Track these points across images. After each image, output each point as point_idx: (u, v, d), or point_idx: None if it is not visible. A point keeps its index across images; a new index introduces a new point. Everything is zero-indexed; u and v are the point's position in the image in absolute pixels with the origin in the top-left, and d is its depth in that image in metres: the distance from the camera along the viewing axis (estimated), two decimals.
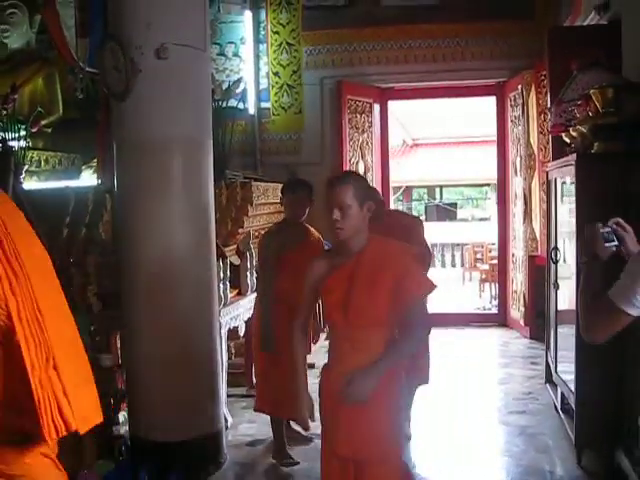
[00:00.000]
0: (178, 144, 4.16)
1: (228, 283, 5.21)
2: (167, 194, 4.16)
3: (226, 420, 4.96)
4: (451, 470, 4.32)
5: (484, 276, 11.08)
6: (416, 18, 7.96)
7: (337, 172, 2.74)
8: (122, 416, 4.71)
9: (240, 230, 6.30)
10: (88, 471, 3.82)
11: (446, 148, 22.53)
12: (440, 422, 5.21)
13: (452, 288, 12.39)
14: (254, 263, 5.73)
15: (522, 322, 7.74)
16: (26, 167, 5.93)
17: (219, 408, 4.52)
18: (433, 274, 12.98)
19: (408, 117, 22.31)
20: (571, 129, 4.58)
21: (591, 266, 2.26)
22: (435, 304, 9.83)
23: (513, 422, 5.11)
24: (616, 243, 2.26)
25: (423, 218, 26.91)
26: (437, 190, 27.77)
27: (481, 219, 24.59)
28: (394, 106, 18.56)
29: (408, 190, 26.29)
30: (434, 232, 17.98)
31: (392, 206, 24.39)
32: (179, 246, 4.20)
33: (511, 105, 7.97)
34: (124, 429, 4.60)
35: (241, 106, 8.19)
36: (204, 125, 4.36)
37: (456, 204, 28.24)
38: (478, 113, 14.92)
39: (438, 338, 7.85)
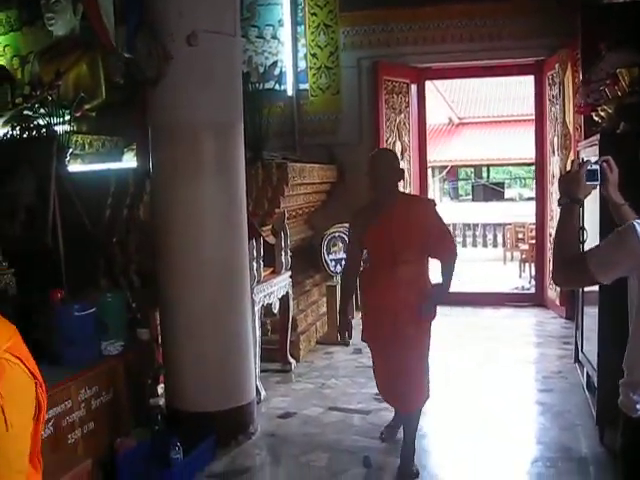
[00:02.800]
0: (209, 127, 4.31)
1: (262, 262, 5.37)
2: (199, 176, 4.32)
3: (259, 393, 5.15)
4: (473, 444, 4.43)
5: (524, 256, 11.05)
6: None
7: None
8: (160, 388, 4.94)
9: (276, 210, 6.46)
10: (125, 438, 4.04)
11: (494, 127, 22.33)
12: (468, 398, 5.31)
13: (493, 268, 12.39)
14: (288, 243, 5.88)
15: (558, 302, 7.75)
16: (70, 150, 6.14)
17: (251, 381, 4.70)
18: (474, 254, 13.01)
19: (455, 95, 22.26)
20: (599, 109, 4.59)
21: (569, 208, 2.23)
22: (474, 284, 9.96)
23: (540, 400, 5.19)
24: (598, 182, 2.24)
25: (470, 198, 26.89)
26: (484, 169, 27.55)
27: (528, 199, 24.32)
28: (440, 85, 18.60)
29: (454, 169, 26.16)
30: (479, 212, 17.97)
31: (437, 185, 24.44)
32: (211, 226, 4.37)
33: (549, 84, 7.92)
34: (162, 401, 4.82)
35: (279, 88, 8.33)
36: (235, 109, 4.50)
37: (503, 183, 27.99)
38: (526, 91, 14.83)
39: (474, 317, 8.01)
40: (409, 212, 3.93)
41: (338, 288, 6.59)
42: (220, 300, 4.39)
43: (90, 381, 3.96)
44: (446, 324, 7.81)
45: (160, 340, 4.85)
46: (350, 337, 4.44)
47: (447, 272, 4.08)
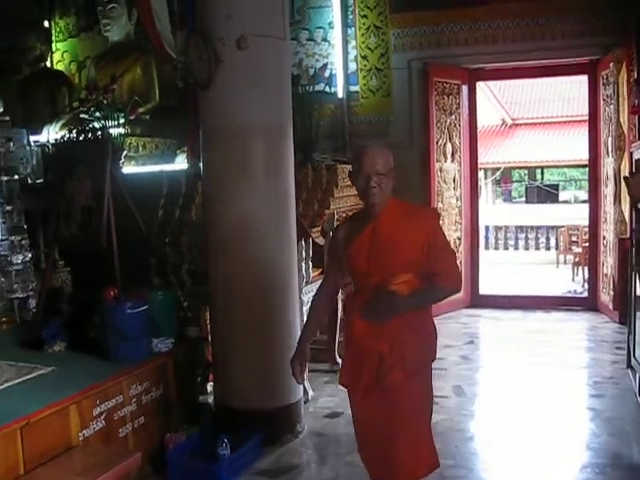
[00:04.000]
0: (258, 130, 4.38)
1: (311, 262, 5.43)
2: (249, 177, 4.40)
3: (307, 393, 5.20)
4: (521, 448, 4.40)
5: (577, 259, 10.88)
6: None
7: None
8: (209, 386, 5.04)
9: (326, 211, 6.51)
10: (174, 434, 4.13)
11: (548, 128, 21.99)
12: (517, 402, 5.27)
13: (545, 271, 12.23)
14: None
15: (611, 306, 7.61)
16: (125, 152, 6.30)
17: None
18: (526, 257, 12.88)
19: (508, 96, 22.00)
20: None
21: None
22: (525, 287, 9.85)
23: (590, 405, 5.11)
24: None
25: (523, 200, 26.53)
26: (538, 171, 27.13)
27: (584, 201, 23.86)
28: (493, 86, 18.43)
29: (507, 171, 25.83)
30: (532, 214, 17.73)
31: (490, 187, 24.18)
32: (260, 227, 4.43)
33: (603, 84, 7.78)
34: (210, 398, 4.92)
35: (329, 90, 8.39)
36: (284, 111, 4.56)
37: (558, 185, 27.51)
38: (581, 91, 14.59)
39: (524, 320, 7.93)
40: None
41: None
42: (269, 299, 4.46)
43: (141, 377, 4.07)
44: (496, 327, 7.78)
45: (210, 338, 4.95)
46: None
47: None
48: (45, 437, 3.39)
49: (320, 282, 3.39)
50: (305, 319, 3.37)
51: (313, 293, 5.23)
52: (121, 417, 3.89)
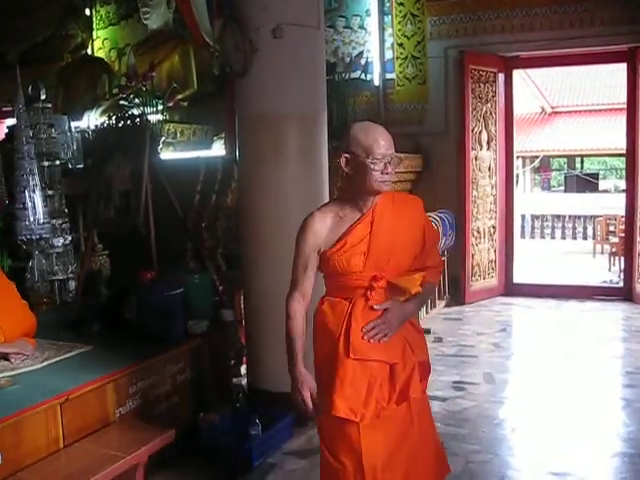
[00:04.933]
0: (293, 118, 4.45)
1: None
2: (284, 163, 4.47)
3: None
4: (551, 435, 4.42)
5: (614, 249, 10.78)
6: None
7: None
8: (242, 369, 5.14)
9: None
10: (207, 413, 4.24)
11: (589, 115, 21.67)
12: (550, 390, 5.29)
13: (582, 261, 12.13)
14: None
15: None
16: (163, 139, 6.43)
17: None
18: (563, 246, 12.75)
19: (548, 84, 21.72)
20: None
21: None
22: (560, 276, 9.79)
23: (623, 395, 5.11)
24: None
25: (562, 189, 26.21)
26: (577, 160, 26.78)
27: (624, 190, 23.48)
28: (532, 73, 18.22)
29: (546, 160, 25.54)
30: (570, 204, 17.54)
31: (528, 176, 23.93)
32: (294, 213, 4.46)
33: None
34: (244, 381, 5.02)
35: (365, 78, 8.42)
36: (318, 99, 4.63)
37: (598, 174, 27.13)
38: (621, 79, 14.37)
39: (559, 310, 7.90)
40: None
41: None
42: None
43: (176, 357, 4.18)
44: (529, 316, 7.78)
45: (244, 322, 5.05)
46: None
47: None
48: (83, 413, 3.51)
49: (290, 289, 2.78)
50: (288, 339, 2.73)
51: None
52: (156, 396, 4.00)
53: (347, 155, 2.55)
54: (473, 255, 8.32)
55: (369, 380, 2.57)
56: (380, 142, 2.51)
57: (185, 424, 4.12)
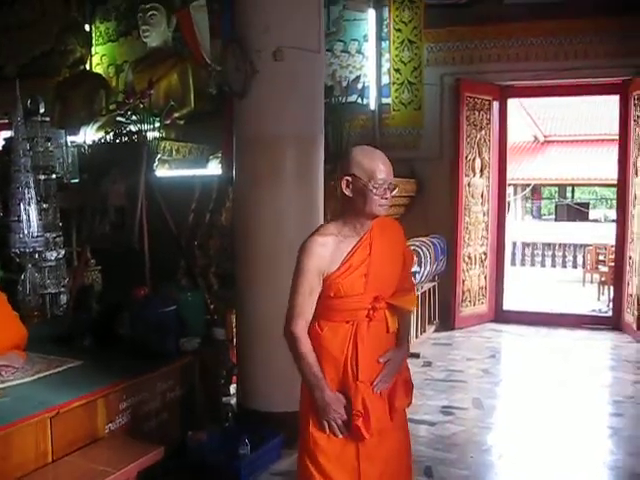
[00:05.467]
0: (291, 140, 4.49)
1: None
2: (280, 185, 4.50)
3: None
4: (539, 463, 4.43)
5: (604, 278, 10.84)
6: (539, 15, 7.91)
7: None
8: (232, 388, 5.14)
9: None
10: (196, 432, 4.23)
11: (580, 145, 21.87)
12: (538, 417, 5.30)
13: (571, 289, 12.19)
14: None
15: (635, 326, 7.60)
16: (159, 156, 6.46)
17: None
18: (552, 274, 12.76)
19: (541, 113, 21.93)
20: None
21: None
22: (550, 304, 9.84)
23: (608, 424, 5.13)
24: None
25: (552, 217, 26.41)
26: (568, 189, 26.98)
27: (614, 220, 23.62)
28: (526, 102, 18.39)
29: (537, 188, 25.72)
30: (561, 232, 17.65)
31: (519, 203, 24.07)
32: (289, 234, 4.51)
33: (634, 104, 7.78)
34: (234, 400, 5.02)
35: (361, 102, 8.50)
36: (316, 122, 4.67)
37: (588, 204, 27.34)
38: (613, 111, 14.53)
39: (548, 338, 7.93)
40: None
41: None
42: None
43: (167, 375, 4.18)
44: (518, 343, 7.80)
45: (235, 341, 5.06)
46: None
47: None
48: (73, 428, 3.50)
49: (290, 314, 2.70)
50: (306, 364, 2.66)
51: None
52: (146, 412, 3.99)
53: (348, 178, 2.57)
54: (464, 281, 8.36)
55: (374, 400, 2.64)
56: (381, 167, 2.55)
57: (174, 442, 4.11)
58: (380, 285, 2.65)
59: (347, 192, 2.59)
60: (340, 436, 2.63)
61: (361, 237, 2.65)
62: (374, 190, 2.54)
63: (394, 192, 2.62)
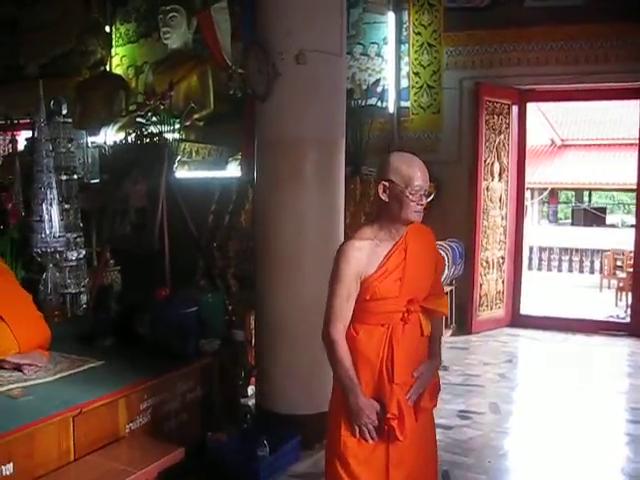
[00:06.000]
0: (312, 143, 4.51)
1: None
2: (301, 188, 4.52)
3: None
4: (556, 470, 4.41)
5: (622, 284, 10.77)
6: (559, 19, 7.88)
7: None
8: (250, 389, 5.16)
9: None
10: (215, 433, 4.25)
11: (598, 150, 21.76)
12: (554, 424, 5.28)
13: (588, 295, 12.12)
14: None
15: None
16: (179, 157, 6.49)
17: None
18: (569, 280, 12.64)
19: (558, 116, 21.83)
20: None
21: None
22: (567, 309, 9.79)
23: (625, 430, 5.10)
24: None
25: (569, 222, 26.23)
26: (585, 193, 26.83)
27: (631, 225, 23.43)
28: (543, 105, 18.32)
29: (554, 192, 25.60)
30: (577, 237, 17.56)
31: (536, 208, 23.97)
32: (309, 237, 4.55)
33: None
34: (252, 401, 5.04)
35: (380, 104, 8.50)
36: (337, 126, 4.69)
37: (605, 209, 27.15)
38: (632, 115, 14.44)
39: (565, 343, 7.90)
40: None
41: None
42: (315, 307, 4.51)
43: (187, 375, 4.21)
44: (535, 348, 7.78)
45: (253, 342, 5.08)
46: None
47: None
48: (95, 427, 3.54)
49: (329, 318, 2.70)
50: (342, 368, 2.64)
51: None
52: (166, 413, 4.03)
53: (385, 183, 2.60)
54: (481, 285, 8.34)
55: (405, 401, 2.66)
56: (418, 174, 2.59)
57: (193, 442, 4.13)
58: (414, 289, 2.69)
59: (384, 197, 2.62)
60: (370, 442, 2.64)
61: (396, 241, 2.68)
62: (410, 196, 2.57)
63: (429, 198, 2.64)
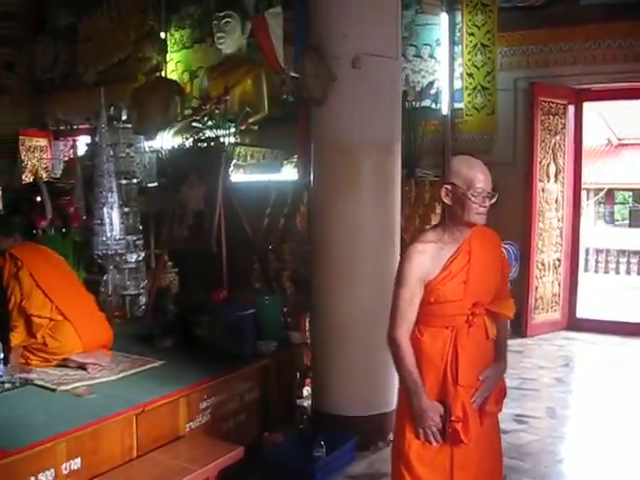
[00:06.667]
0: (369, 147, 4.52)
1: None
2: (357, 192, 4.53)
3: None
4: (609, 475, 4.35)
5: None
6: (616, 16, 7.70)
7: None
8: (306, 390, 5.20)
9: (427, 227, 6.59)
10: (272, 433, 4.31)
11: None
12: (609, 428, 5.18)
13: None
14: None
15: None
16: (234, 161, 6.59)
17: (394, 390, 4.84)
18: (627, 282, 12.33)
19: (615, 115, 21.38)
20: None
21: None
22: (625, 313, 9.59)
23: None
24: None
25: (626, 223, 25.65)
26: None
27: None
28: (599, 105, 17.97)
29: (610, 193, 25.08)
30: (636, 238, 17.18)
31: (592, 209, 23.53)
32: (365, 240, 4.56)
33: None
34: (307, 402, 5.08)
35: (434, 106, 8.48)
36: (394, 129, 4.69)
37: None
38: None
39: (622, 347, 7.74)
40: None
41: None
42: (371, 309, 4.56)
43: (245, 376, 4.29)
44: (592, 352, 7.64)
45: (308, 344, 5.12)
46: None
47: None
48: (156, 425, 3.64)
49: (393, 320, 2.71)
50: (406, 371, 2.66)
51: None
52: (225, 412, 4.10)
53: (448, 186, 2.63)
54: (537, 288, 8.23)
55: (470, 404, 2.67)
56: (480, 177, 2.62)
57: (250, 442, 4.19)
58: (479, 291, 2.68)
59: (447, 200, 2.65)
60: (434, 444, 2.64)
61: (460, 244, 2.68)
62: (472, 198, 2.59)
63: (492, 200, 2.65)
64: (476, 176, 2.61)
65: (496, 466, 2.88)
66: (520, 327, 8.10)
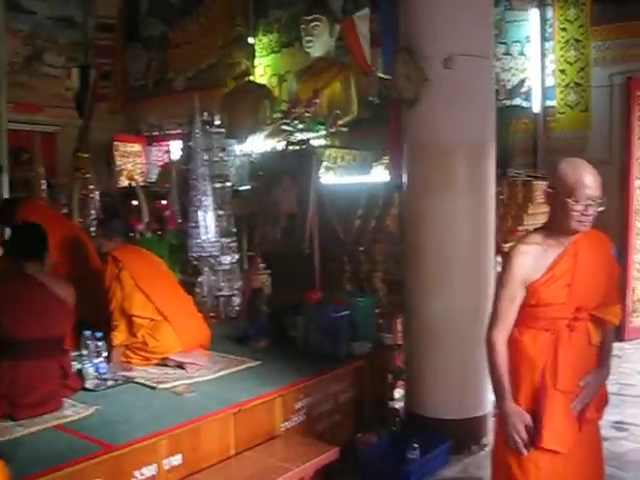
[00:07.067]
0: (462, 148, 4.48)
1: None
2: (451, 193, 4.49)
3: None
4: None
5: None
6: None
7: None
8: (397, 392, 5.19)
9: (520, 227, 6.48)
10: (365, 434, 4.32)
11: None
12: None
13: None
14: None
15: None
16: (325, 163, 6.63)
17: (487, 394, 4.78)
18: None
19: None
20: None
21: None
22: None
23: None
24: None
25: None
26: None
27: None
28: None
29: None
30: None
31: None
32: (460, 241, 4.51)
33: None
34: (398, 404, 5.07)
35: (525, 104, 8.31)
36: (487, 129, 4.63)
37: None
38: None
39: None
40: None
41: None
42: (464, 310, 4.52)
43: (340, 377, 4.31)
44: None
45: (401, 346, 5.10)
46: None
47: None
48: (253, 424, 3.71)
49: (492, 321, 2.69)
50: (497, 374, 2.63)
51: None
52: (319, 413, 4.14)
53: (550, 190, 2.60)
54: (634, 289, 7.95)
55: (570, 411, 2.61)
56: (584, 183, 2.51)
57: (344, 443, 4.21)
58: (583, 296, 2.61)
59: (548, 204, 2.63)
60: (525, 452, 2.57)
61: (566, 247, 2.62)
62: (572, 206, 2.50)
63: (600, 208, 2.56)
64: (579, 183, 2.50)
65: (597, 475, 2.80)
66: (617, 330, 7.80)
